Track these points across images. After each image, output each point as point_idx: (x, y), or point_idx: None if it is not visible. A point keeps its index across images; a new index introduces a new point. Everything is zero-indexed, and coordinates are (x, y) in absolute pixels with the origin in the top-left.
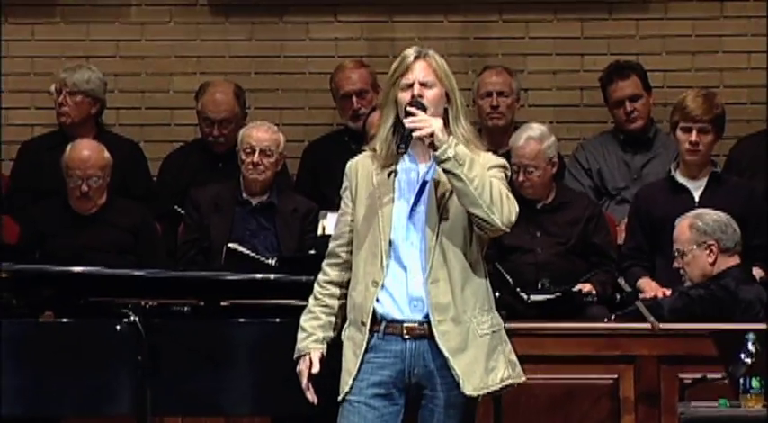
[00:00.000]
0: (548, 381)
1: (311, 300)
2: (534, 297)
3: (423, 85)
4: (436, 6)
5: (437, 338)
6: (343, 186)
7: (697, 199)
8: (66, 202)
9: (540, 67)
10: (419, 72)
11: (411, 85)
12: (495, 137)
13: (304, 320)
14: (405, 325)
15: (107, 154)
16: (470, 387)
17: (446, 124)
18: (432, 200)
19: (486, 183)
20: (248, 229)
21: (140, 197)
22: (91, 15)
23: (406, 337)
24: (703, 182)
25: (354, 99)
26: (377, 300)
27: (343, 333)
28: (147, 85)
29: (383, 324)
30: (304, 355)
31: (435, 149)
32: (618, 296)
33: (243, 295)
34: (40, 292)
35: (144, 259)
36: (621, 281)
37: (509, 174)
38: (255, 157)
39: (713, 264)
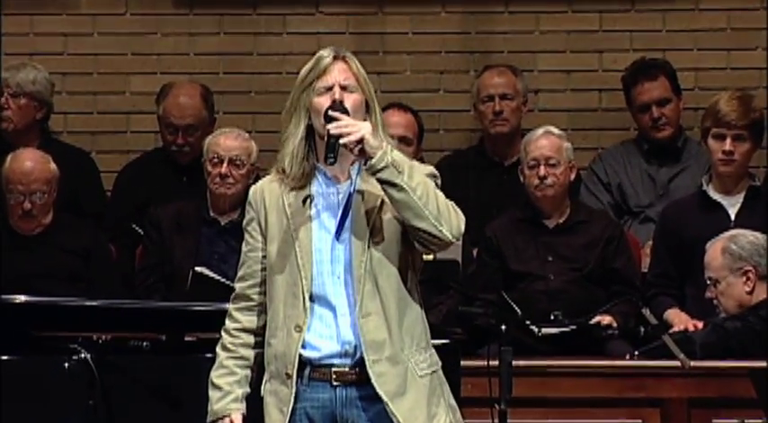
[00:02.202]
0: None
1: (221, 352)
2: (546, 330)
3: (343, 88)
4: None
5: (373, 381)
6: (247, 217)
7: (733, 217)
8: (5, 221)
9: (551, 65)
10: (338, 74)
11: (330, 89)
12: (498, 146)
13: (217, 377)
14: (334, 369)
15: (53, 166)
16: None
17: None
18: (358, 222)
19: (431, 191)
20: (216, 252)
21: (92, 215)
22: (35, 6)
23: (335, 383)
24: (740, 197)
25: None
26: (302, 346)
27: (262, 387)
28: (100, 86)
29: (308, 369)
30: (222, 419)
31: (366, 158)
32: (642, 330)
33: (211, 328)
34: None
35: (96, 287)
36: (646, 312)
37: (440, 182)
38: (223, 169)
39: (751, 292)
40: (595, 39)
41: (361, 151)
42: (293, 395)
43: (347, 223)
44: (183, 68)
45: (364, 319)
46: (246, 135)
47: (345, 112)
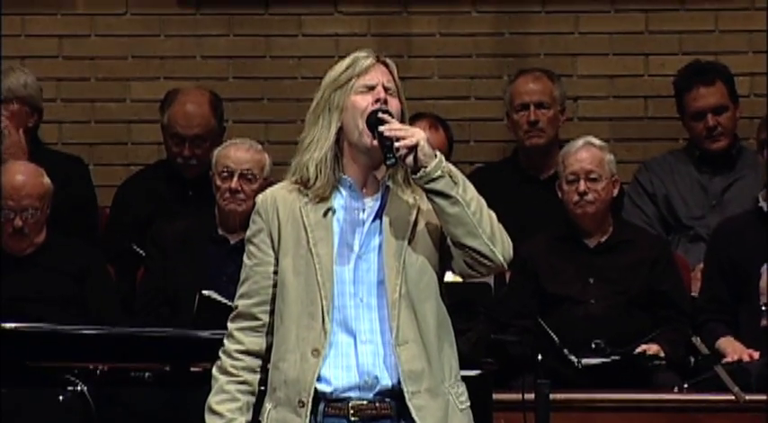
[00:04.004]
0: None
1: (220, 375)
2: (587, 361)
3: (386, 90)
4: None
5: (413, 415)
6: (254, 228)
7: None
8: None
9: (593, 70)
10: (381, 76)
11: (372, 88)
12: (534, 159)
13: (217, 403)
14: (351, 403)
15: (47, 180)
16: None
17: None
18: (389, 241)
19: (485, 207)
20: (225, 274)
21: (89, 234)
22: (27, 5)
23: (353, 418)
24: None
25: None
26: (317, 376)
27: (262, 416)
28: (98, 92)
29: (322, 404)
30: None
31: (417, 167)
32: (692, 360)
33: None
34: None
35: (93, 312)
36: (697, 340)
37: None
38: (233, 183)
39: None
40: (641, 40)
41: (414, 158)
42: None
43: (374, 242)
44: (190, 73)
45: (401, 348)
46: (259, 146)
47: (390, 115)
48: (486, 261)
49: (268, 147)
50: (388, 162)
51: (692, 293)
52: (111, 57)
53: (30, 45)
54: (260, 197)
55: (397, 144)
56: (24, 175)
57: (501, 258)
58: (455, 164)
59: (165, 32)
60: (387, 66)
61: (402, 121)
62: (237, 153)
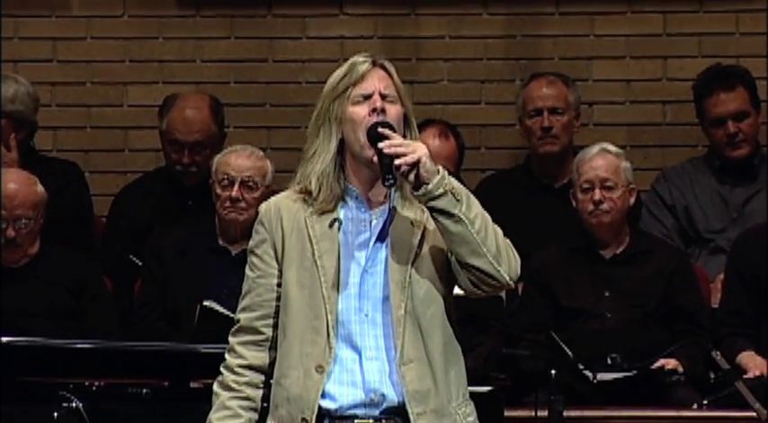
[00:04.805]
0: None
1: (221, 391)
2: (602, 376)
3: (383, 98)
4: None
5: None
6: (256, 239)
7: None
8: None
9: (609, 73)
10: (378, 82)
11: (369, 97)
12: (547, 166)
13: (218, 420)
14: (356, 421)
15: (40, 188)
16: None
17: None
18: (395, 255)
19: (490, 225)
20: (227, 287)
21: (85, 244)
22: (20, 7)
23: None
24: None
25: None
26: (322, 393)
27: None
28: (95, 97)
29: (326, 422)
30: None
31: (419, 184)
32: (712, 375)
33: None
34: None
35: (89, 326)
36: (717, 355)
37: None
38: (234, 191)
39: None
40: (659, 43)
41: (416, 175)
42: None
43: (381, 256)
44: (189, 77)
45: (406, 367)
46: (261, 153)
47: (392, 128)
48: (490, 280)
49: (270, 154)
50: (386, 183)
51: (712, 306)
52: (107, 60)
53: (23, 48)
54: (263, 206)
55: (397, 162)
56: (17, 183)
57: (506, 277)
58: (465, 171)
59: (163, 35)
60: (385, 69)
61: (406, 125)
62: (238, 160)
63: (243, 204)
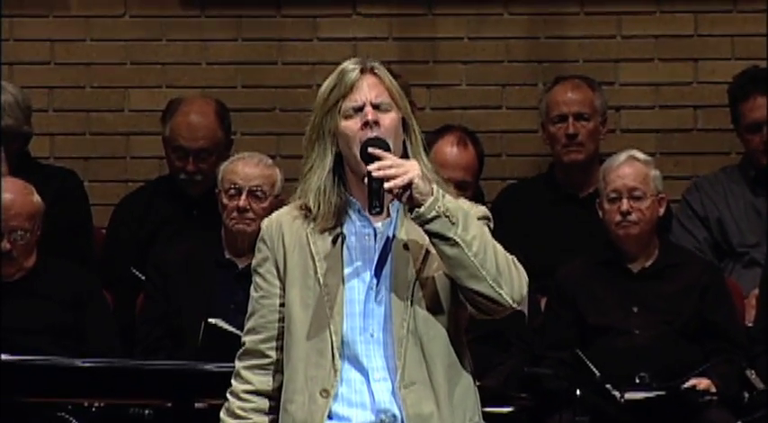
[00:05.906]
0: None
1: (228, 418)
2: (630, 395)
3: (375, 107)
4: None
5: None
6: (260, 257)
7: None
8: None
9: (637, 77)
10: (369, 91)
11: (360, 110)
12: (572, 175)
13: None
14: None
15: (37, 198)
16: None
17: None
18: (398, 272)
19: (489, 245)
20: (233, 302)
21: (84, 257)
22: (15, 6)
23: None
24: None
25: None
26: (329, 416)
27: None
28: (94, 101)
29: None
30: None
31: (413, 205)
32: (746, 395)
33: (225, 393)
34: None
35: (89, 343)
36: (752, 374)
37: (492, 226)
38: (242, 201)
39: None
40: (689, 45)
41: (409, 197)
42: None
43: (385, 271)
44: (194, 81)
45: (407, 390)
46: (269, 161)
47: (386, 146)
48: (491, 304)
49: (279, 161)
50: (372, 211)
51: (747, 323)
52: (107, 63)
53: (19, 50)
54: (265, 222)
55: (387, 185)
56: (12, 192)
57: (509, 300)
58: (485, 180)
59: (166, 36)
60: (376, 75)
61: (405, 130)
62: (246, 168)
63: (251, 215)
